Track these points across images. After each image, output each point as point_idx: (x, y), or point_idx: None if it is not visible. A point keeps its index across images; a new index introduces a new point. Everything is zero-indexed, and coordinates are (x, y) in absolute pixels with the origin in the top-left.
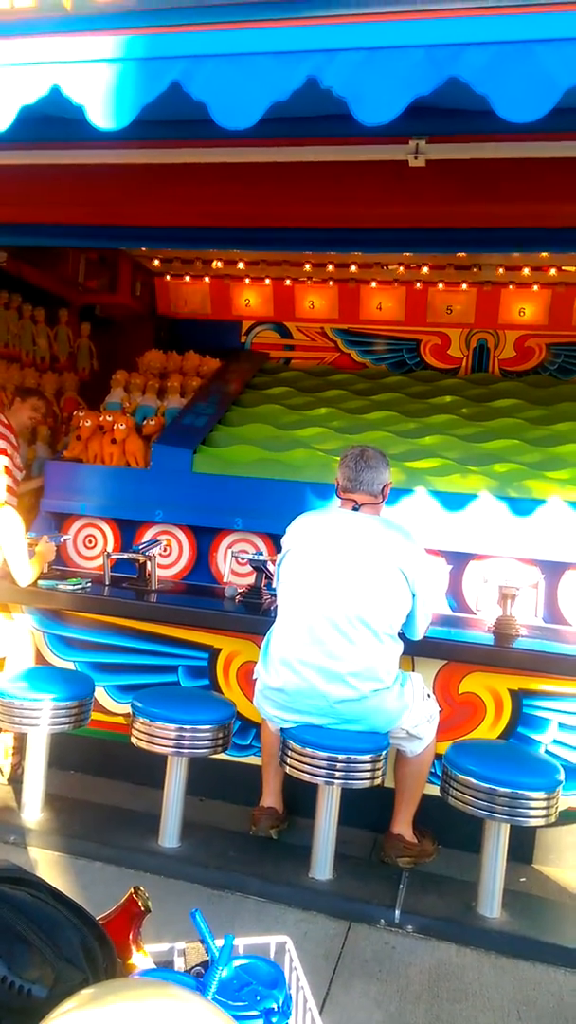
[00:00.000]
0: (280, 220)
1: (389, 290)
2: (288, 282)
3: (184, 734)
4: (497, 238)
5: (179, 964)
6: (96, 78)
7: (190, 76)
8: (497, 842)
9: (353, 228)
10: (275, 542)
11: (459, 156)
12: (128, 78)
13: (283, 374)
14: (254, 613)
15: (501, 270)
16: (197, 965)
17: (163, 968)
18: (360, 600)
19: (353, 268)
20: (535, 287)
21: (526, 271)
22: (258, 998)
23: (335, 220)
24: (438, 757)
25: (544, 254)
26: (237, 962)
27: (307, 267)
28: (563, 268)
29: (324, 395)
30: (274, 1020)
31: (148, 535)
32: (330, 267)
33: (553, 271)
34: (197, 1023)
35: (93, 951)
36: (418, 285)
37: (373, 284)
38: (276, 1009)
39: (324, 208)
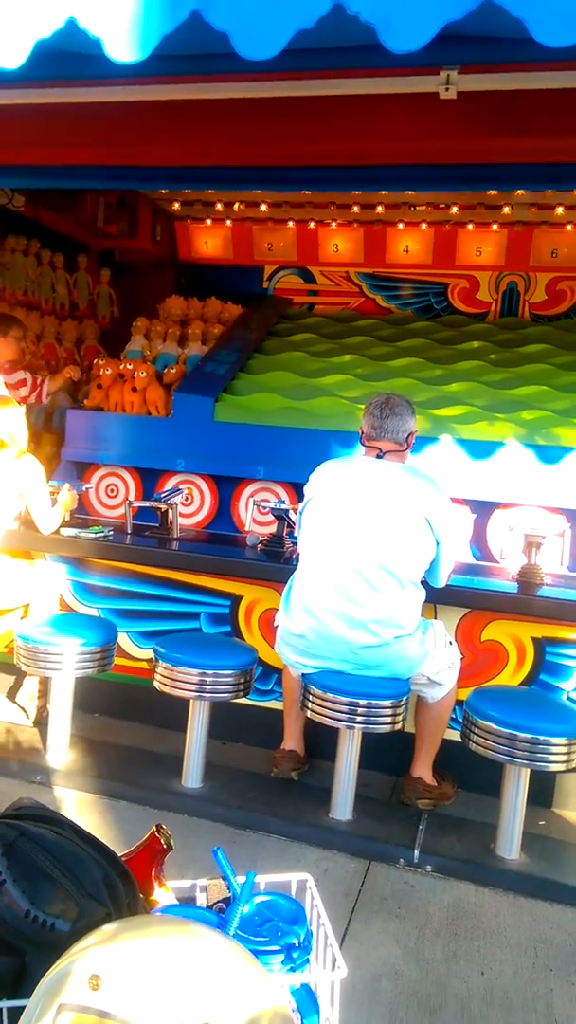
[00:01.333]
0: (305, 158)
1: (416, 232)
2: (312, 225)
3: (206, 679)
4: (531, 174)
5: (201, 900)
6: (113, 9)
7: (210, 3)
8: (517, 786)
9: (381, 165)
10: (297, 491)
11: (492, 87)
12: (147, 8)
13: (306, 320)
14: (276, 561)
15: (533, 209)
16: (219, 901)
17: (185, 904)
18: (383, 547)
19: (379, 209)
20: (568, 227)
21: (559, 210)
22: (279, 934)
23: (362, 157)
24: (459, 703)
25: None
26: (259, 899)
27: (331, 208)
28: None
29: (348, 342)
30: (295, 955)
31: (170, 484)
32: (355, 208)
33: None
34: (216, 958)
35: (115, 887)
36: (446, 226)
37: (400, 226)
38: (297, 945)
39: (351, 144)
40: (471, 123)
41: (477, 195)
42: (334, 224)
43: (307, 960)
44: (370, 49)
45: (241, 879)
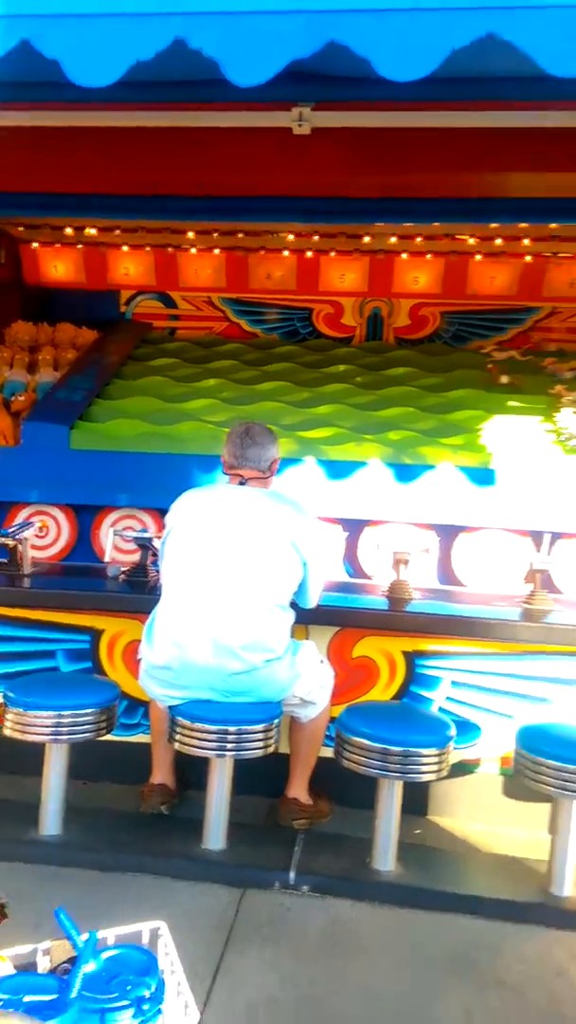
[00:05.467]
0: (162, 188)
1: (279, 259)
2: (170, 250)
3: (63, 720)
4: (386, 208)
5: (44, 965)
6: None
7: (42, 33)
8: (391, 799)
9: (239, 197)
10: (163, 518)
11: (343, 124)
12: None
13: (168, 345)
14: (140, 592)
15: (393, 239)
16: (64, 962)
17: (23, 972)
18: (250, 573)
19: (240, 236)
20: (428, 256)
21: (419, 240)
22: (129, 988)
23: (220, 188)
24: (333, 720)
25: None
26: (108, 953)
27: (190, 235)
28: (456, 237)
29: (213, 366)
30: (146, 1007)
31: (21, 517)
32: (215, 235)
33: (445, 240)
34: None
35: None
36: (309, 253)
37: (262, 252)
38: (148, 996)
39: (208, 175)
40: (326, 158)
41: (338, 224)
42: (194, 250)
43: (159, 1011)
44: (221, 83)
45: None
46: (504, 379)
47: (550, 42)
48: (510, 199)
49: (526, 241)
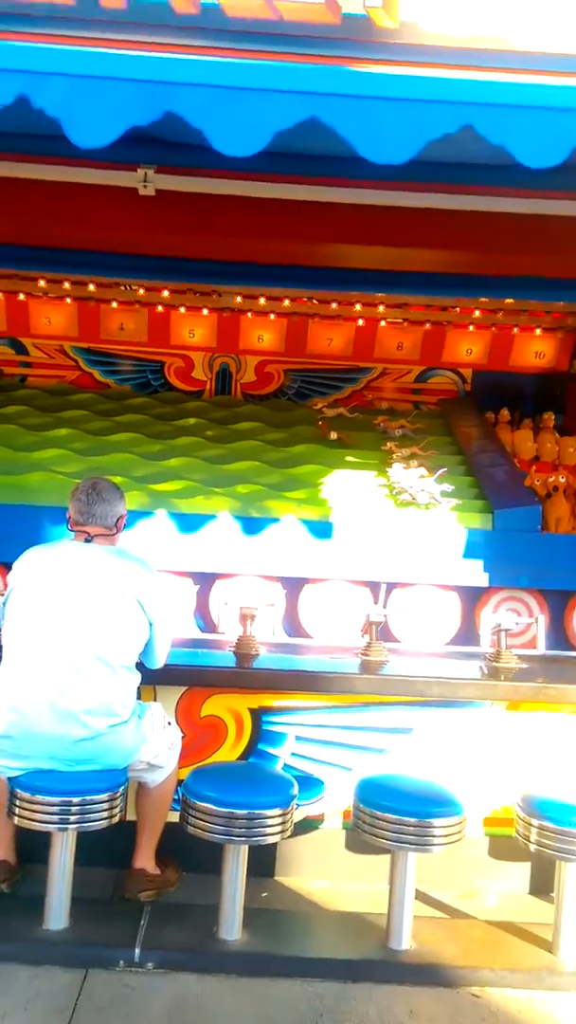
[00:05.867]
0: (8, 237)
1: (130, 310)
2: (22, 296)
3: None
4: (229, 271)
5: None
6: None
7: None
8: (236, 864)
9: (86, 251)
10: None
11: (185, 188)
12: None
13: (19, 392)
14: None
15: (239, 298)
16: None
17: None
18: (93, 634)
19: (91, 288)
20: (272, 316)
21: (262, 300)
22: None
23: (67, 241)
24: (180, 783)
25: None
26: None
27: (41, 283)
28: (296, 299)
29: (65, 415)
30: None
31: None
32: (66, 284)
33: (287, 302)
34: None
35: None
36: (160, 308)
37: (114, 304)
38: None
39: (55, 228)
40: (170, 219)
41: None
42: (45, 297)
43: None
44: (67, 140)
45: None
46: (333, 435)
47: (367, 129)
48: (342, 269)
49: (358, 306)
